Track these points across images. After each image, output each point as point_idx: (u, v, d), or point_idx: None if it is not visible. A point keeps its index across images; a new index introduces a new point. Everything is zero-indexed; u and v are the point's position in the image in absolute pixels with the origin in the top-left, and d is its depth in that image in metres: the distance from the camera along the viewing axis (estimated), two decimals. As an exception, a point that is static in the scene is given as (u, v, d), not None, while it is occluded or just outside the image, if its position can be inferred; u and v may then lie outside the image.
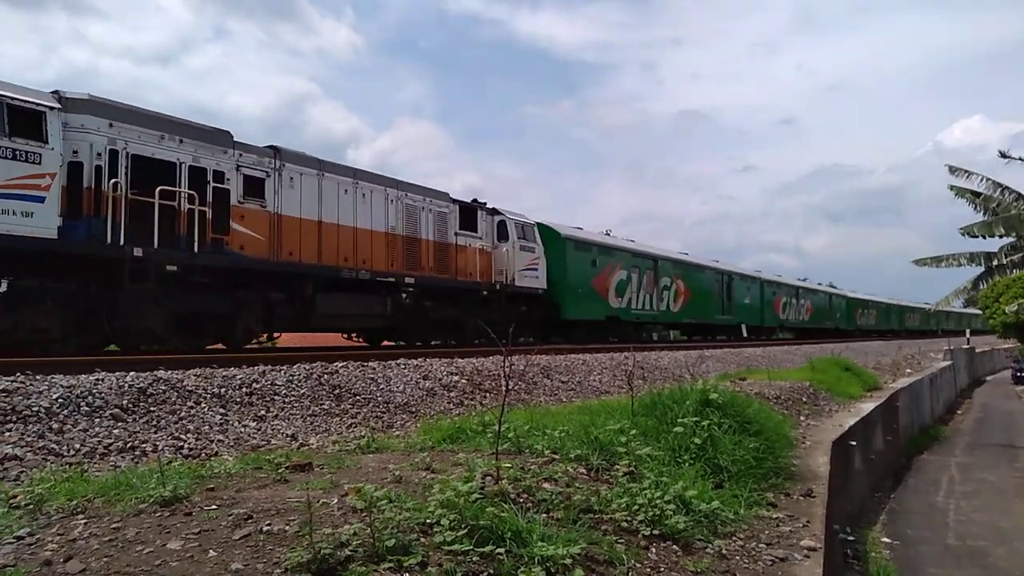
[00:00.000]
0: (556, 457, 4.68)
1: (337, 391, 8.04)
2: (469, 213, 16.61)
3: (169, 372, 7.14)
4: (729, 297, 30.34)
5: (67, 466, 4.84)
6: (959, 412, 26.03)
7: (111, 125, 9.66)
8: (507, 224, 17.51)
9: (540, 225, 19.21)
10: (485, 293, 16.51)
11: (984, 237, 19.59)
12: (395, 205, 14.30)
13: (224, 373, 7.54)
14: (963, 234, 19.90)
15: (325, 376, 8.30)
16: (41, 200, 8.72)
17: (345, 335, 15.69)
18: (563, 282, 19.12)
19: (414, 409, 8.29)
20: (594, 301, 20.61)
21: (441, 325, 15.64)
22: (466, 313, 15.86)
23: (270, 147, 12.07)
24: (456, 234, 15.93)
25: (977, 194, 20.49)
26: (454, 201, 16.09)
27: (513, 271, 17.28)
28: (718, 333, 30.88)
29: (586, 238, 21.35)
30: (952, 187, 20.80)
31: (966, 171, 20.69)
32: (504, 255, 17.18)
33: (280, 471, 4.14)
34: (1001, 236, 19.43)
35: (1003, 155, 20.32)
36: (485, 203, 17.33)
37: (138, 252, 9.46)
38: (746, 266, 39.33)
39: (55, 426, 5.52)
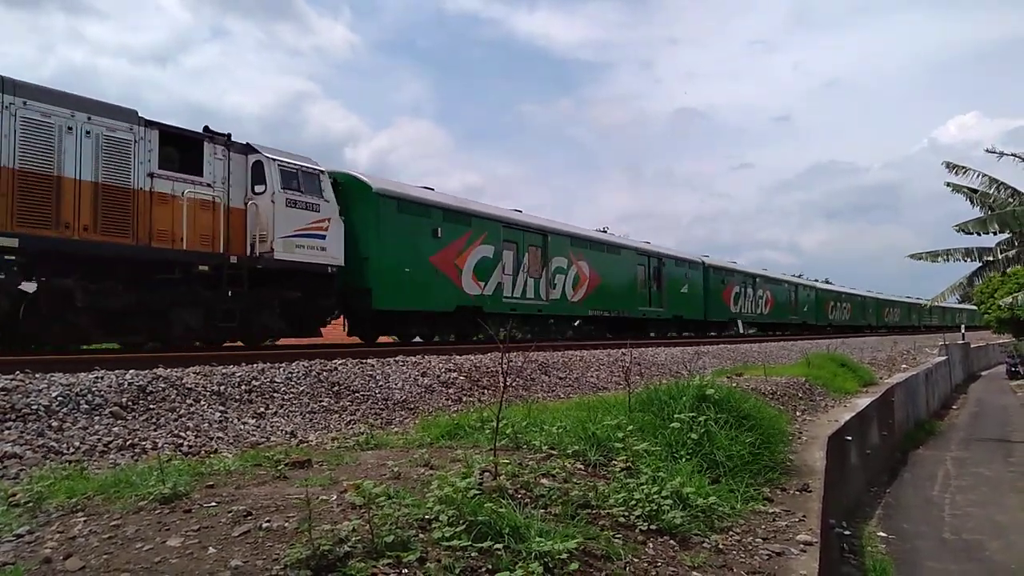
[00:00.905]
0: (554, 453, 4.71)
1: (336, 388, 8.06)
2: (184, 145, 10.88)
3: (168, 370, 7.15)
4: (659, 285, 24.86)
5: (67, 464, 4.85)
6: (954, 407, 26.13)
7: None
8: (265, 167, 11.58)
9: (338, 175, 13.70)
10: (206, 268, 10.86)
11: (979, 234, 19.66)
12: None
13: (223, 371, 7.55)
14: (958, 231, 19.98)
15: (324, 373, 8.31)
16: None
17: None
18: (375, 257, 13.34)
19: (413, 406, 8.31)
20: (434, 285, 14.78)
21: (118, 319, 9.93)
22: (169, 299, 10.47)
23: None
24: (153, 175, 10.09)
25: (974, 190, 20.54)
26: (149, 123, 10.24)
27: (273, 237, 11.46)
28: (649, 329, 25.62)
29: (420, 197, 14.99)
30: (949, 184, 20.85)
31: (963, 167, 20.75)
32: (257, 213, 11.41)
33: (279, 468, 4.16)
34: (995, 233, 19.49)
35: (991, 151, 20.42)
36: (229, 135, 11.46)
37: None
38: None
39: (55, 424, 5.53)
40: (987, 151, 20.34)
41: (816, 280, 49.83)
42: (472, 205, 17.20)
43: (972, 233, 19.83)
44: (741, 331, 31.37)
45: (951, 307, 70.39)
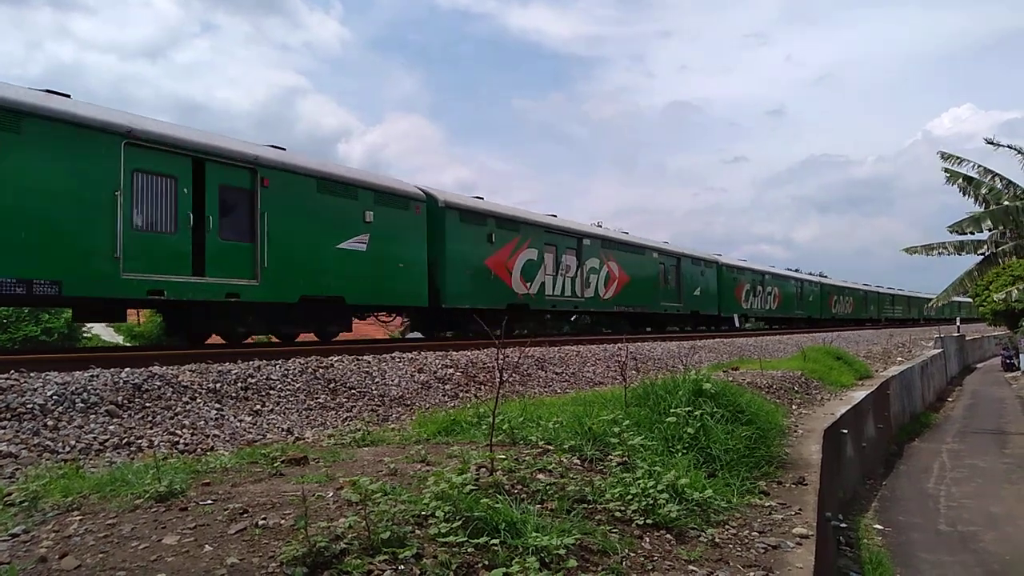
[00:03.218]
0: (550, 448, 4.72)
1: (332, 385, 8.05)
2: None
3: (164, 368, 7.14)
4: (262, 242, 11.12)
5: (62, 463, 4.84)
6: (950, 399, 26.26)
7: None
8: None
9: None
10: None
11: (972, 233, 19.67)
12: None
13: (219, 368, 7.54)
14: (951, 231, 20.03)
15: (320, 370, 8.30)
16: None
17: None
18: None
19: (409, 402, 8.31)
20: None
21: None
22: None
23: None
24: None
25: (969, 180, 20.58)
26: None
27: None
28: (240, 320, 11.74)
29: None
30: (946, 170, 20.86)
31: (957, 157, 20.76)
32: None
33: (275, 465, 4.16)
34: (989, 231, 19.52)
35: (990, 142, 20.47)
36: None
37: None
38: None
39: (50, 423, 5.52)
40: (986, 141, 20.37)
41: (744, 261, 32.98)
42: None
43: (965, 232, 19.87)
44: (737, 324, 30.83)
45: (918, 296, 60.24)
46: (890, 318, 52.96)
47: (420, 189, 14.71)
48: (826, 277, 47.66)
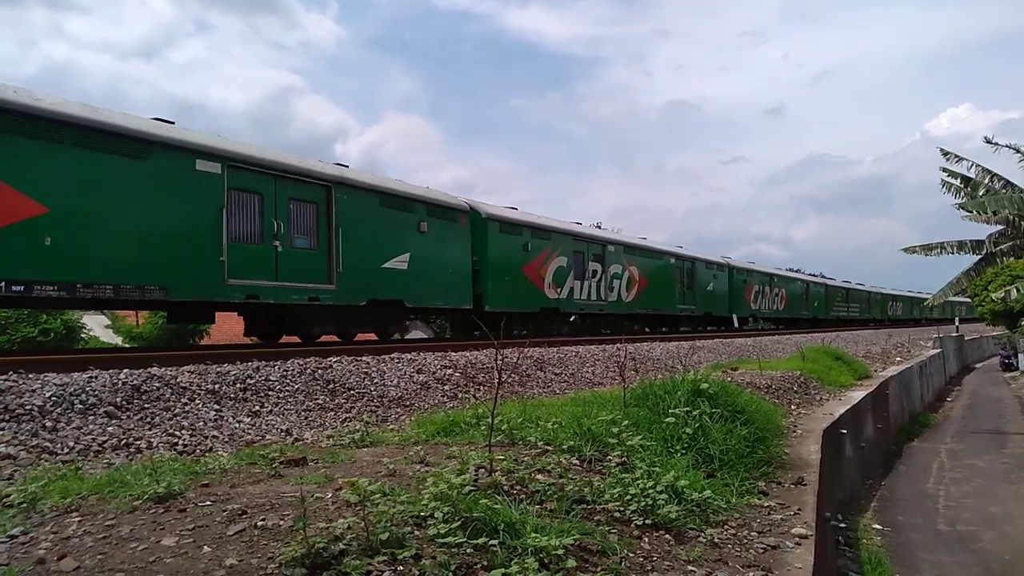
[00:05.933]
0: (549, 448, 4.72)
1: (331, 386, 8.04)
2: None
3: (163, 369, 7.12)
4: None
5: (61, 464, 4.83)
6: (948, 399, 26.28)
7: None
8: None
9: None
10: None
11: (978, 212, 19.61)
12: None
13: (218, 369, 7.53)
14: (958, 208, 20.06)
15: (319, 371, 8.29)
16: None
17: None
18: None
19: (408, 403, 8.31)
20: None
21: None
22: None
23: None
24: None
25: (967, 180, 20.59)
26: None
27: None
28: None
29: None
30: (945, 169, 20.85)
31: (957, 156, 20.75)
32: None
33: (274, 466, 4.16)
34: (994, 213, 19.44)
35: (989, 141, 20.49)
36: None
37: None
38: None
39: (48, 424, 5.51)
40: (985, 140, 20.39)
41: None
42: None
43: (971, 212, 19.82)
44: (736, 325, 30.58)
45: (881, 292, 51.75)
46: (843, 318, 42.19)
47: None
48: (751, 263, 33.05)
